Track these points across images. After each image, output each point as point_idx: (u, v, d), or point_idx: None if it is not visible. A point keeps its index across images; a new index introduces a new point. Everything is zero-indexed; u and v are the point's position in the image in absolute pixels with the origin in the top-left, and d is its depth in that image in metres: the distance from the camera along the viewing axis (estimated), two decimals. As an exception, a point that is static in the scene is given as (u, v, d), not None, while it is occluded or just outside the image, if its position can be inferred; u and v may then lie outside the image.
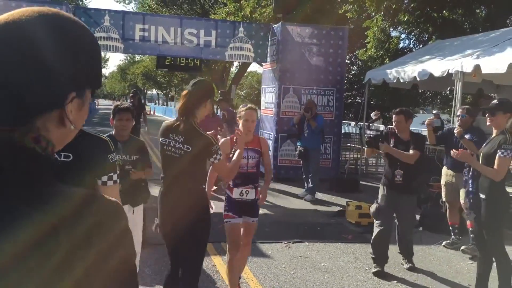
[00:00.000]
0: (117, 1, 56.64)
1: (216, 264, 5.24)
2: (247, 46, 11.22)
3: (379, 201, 5.16)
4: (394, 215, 5.25)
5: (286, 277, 4.95)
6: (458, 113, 5.99)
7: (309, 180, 8.96)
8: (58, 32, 0.80)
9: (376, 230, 5.14)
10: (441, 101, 17.03)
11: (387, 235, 5.09)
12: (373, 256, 5.16)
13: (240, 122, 4.07)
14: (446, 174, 6.32)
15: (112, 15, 10.63)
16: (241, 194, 4.05)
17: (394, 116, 5.12)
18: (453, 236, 6.30)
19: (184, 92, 3.27)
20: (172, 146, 3.20)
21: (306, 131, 8.85)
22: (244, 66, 28.09)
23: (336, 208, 8.18)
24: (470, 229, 5.90)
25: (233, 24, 11.74)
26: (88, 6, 25.58)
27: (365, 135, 5.01)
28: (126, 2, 38.47)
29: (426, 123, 6.32)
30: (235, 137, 3.87)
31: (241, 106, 4.16)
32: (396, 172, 5.03)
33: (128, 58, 62.16)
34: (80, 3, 30.54)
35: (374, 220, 5.26)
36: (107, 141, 2.25)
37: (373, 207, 5.20)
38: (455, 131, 5.67)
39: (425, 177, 4.80)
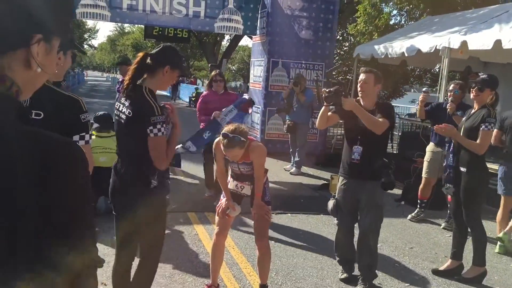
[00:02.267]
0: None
1: (198, 233, 5.29)
2: (237, 18, 11.09)
3: (336, 195, 4.16)
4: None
5: (266, 246, 5.02)
6: (451, 88, 5.90)
7: (296, 154, 9.01)
8: None
9: (337, 231, 4.29)
10: (430, 79, 17.03)
11: (349, 234, 4.19)
12: (338, 259, 4.33)
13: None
14: (432, 150, 6.33)
15: (99, -18, 10.41)
16: (237, 187, 3.88)
17: (361, 74, 3.98)
18: (417, 209, 6.40)
19: (140, 54, 2.91)
20: (120, 110, 2.89)
21: (295, 105, 8.84)
22: (235, 40, 27.83)
23: (321, 182, 8.26)
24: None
25: (223, -5, 11.56)
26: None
27: (323, 89, 3.96)
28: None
29: (420, 99, 6.23)
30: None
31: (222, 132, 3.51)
32: (354, 148, 3.94)
33: (118, 29, 61.19)
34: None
35: (335, 219, 4.34)
36: (79, 100, 2.24)
37: (330, 204, 4.17)
38: (448, 106, 5.67)
39: (388, 158, 4.07)
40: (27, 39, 0.83)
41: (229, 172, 3.92)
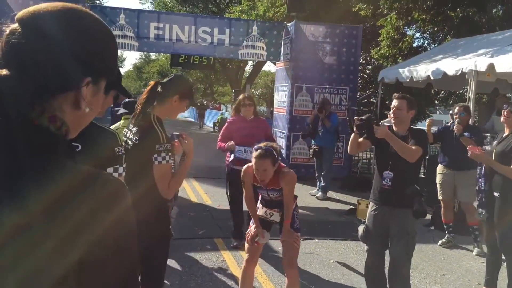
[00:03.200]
0: None
1: (226, 259, 5.29)
2: (260, 45, 11.27)
3: (366, 221, 4.04)
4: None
5: (295, 273, 4.97)
6: (456, 111, 5.92)
7: (322, 178, 8.97)
8: (75, 23, 0.91)
9: (367, 258, 4.13)
10: (455, 101, 16.86)
11: (379, 262, 4.02)
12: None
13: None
14: (442, 172, 6.29)
15: (127, 13, 10.76)
16: (266, 214, 3.88)
17: (394, 100, 3.92)
18: (447, 235, 6.30)
19: (151, 82, 2.95)
20: (128, 137, 2.91)
21: (321, 130, 8.81)
22: (258, 65, 28.13)
23: (347, 207, 8.18)
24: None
25: (247, 23, 11.80)
26: (105, 5, 25.81)
27: (355, 117, 3.93)
28: (143, 1, 38.80)
29: (427, 123, 6.30)
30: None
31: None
32: (385, 174, 3.85)
33: (144, 57, 62.66)
34: (97, 1, 30.87)
35: (365, 246, 4.17)
36: (115, 134, 2.30)
37: (360, 229, 4.04)
38: (455, 129, 5.67)
39: (420, 185, 3.90)
40: (78, 82, 0.89)
41: (259, 199, 3.94)
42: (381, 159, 3.98)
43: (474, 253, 5.97)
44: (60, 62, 0.86)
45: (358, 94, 20.18)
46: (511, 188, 4.19)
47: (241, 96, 5.88)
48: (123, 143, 2.87)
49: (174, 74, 3.06)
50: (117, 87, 2.24)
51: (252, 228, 3.82)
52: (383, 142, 3.82)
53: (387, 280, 3.97)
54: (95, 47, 0.92)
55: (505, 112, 4.36)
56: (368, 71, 23.23)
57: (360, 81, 21.26)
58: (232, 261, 5.23)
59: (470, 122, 6.24)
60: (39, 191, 0.77)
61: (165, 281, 3.25)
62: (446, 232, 6.31)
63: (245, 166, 3.81)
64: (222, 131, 5.90)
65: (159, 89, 2.89)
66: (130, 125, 2.92)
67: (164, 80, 2.96)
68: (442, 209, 6.36)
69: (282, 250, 3.86)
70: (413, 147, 3.72)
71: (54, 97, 0.87)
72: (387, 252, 4.00)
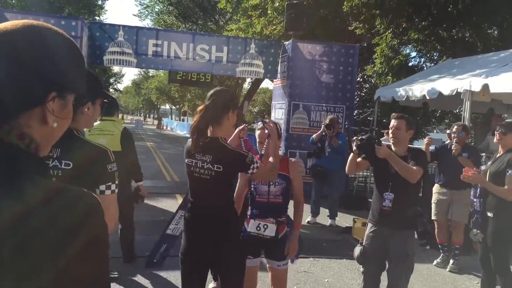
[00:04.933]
0: (134, 15, 57.62)
1: None
2: (258, 63, 11.36)
3: (364, 242, 3.95)
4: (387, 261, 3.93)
5: (289, 292, 4.93)
6: (454, 130, 5.96)
7: (329, 203, 8.39)
8: (35, 40, 0.91)
9: (362, 280, 4.02)
10: (451, 120, 16.95)
11: (375, 284, 3.96)
12: None
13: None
14: (438, 191, 6.30)
15: (126, 30, 10.86)
16: (258, 229, 3.34)
17: (393, 120, 3.88)
18: (442, 254, 6.30)
19: (200, 107, 2.92)
20: (200, 167, 2.85)
21: (328, 150, 8.20)
22: (256, 83, 28.27)
23: (343, 225, 8.15)
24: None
25: (245, 41, 11.91)
26: (104, 22, 26.05)
27: (355, 137, 3.93)
28: (142, 18, 39.19)
29: (426, 141, 6.31)
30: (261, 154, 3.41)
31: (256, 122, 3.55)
32: (385, 195, 3.77)
33: (142, 73, 63.00)
34: (97, 18, 31.15)
35: (361, 267, 4.04)
36: (106, 151, 2.30)
37: (357, 250, 3.96)
38: (453, 148, 5.68)
39: (423, 205, 3.82)
40: (43, 98, 0.90)
41: (248, 213, 3.48)
42: (381, 180, 3.90)
43: (447, 269, 6.05)
44: (21, 79, 0.86)
45: (355, 112, 20.35)
46: (504, 208, 4.19)
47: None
48: (197, 174, 2.91)
49: (215, 89, 3.04)
50: (101, 95, 2.25)
51: None
52: (382, 162, 3.77)
53: None
54: (58, 61, 0.92)
55: (497, 134, 4.38)
56: (365, 90, 23.41)
57: (357, 99, 21.44)
58: None
59: (468, 141, 6.28)
60: (3, 207, 0.77)
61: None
62: (441, 251, 6.30)
63: None
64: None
65: (208, 111, 2.88)
66: (197, 155, 2.89)
67: (208, 103, 2.92)
68: (436, 229, 6.33)
69: (270, 281, 3.56)
70: (414, 167, 3.66)
71: (19, 114, 0.88)
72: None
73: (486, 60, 8.89)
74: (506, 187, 4.12)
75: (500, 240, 4.24)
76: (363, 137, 3.80)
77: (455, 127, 6.01)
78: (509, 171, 4.11)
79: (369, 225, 3.96)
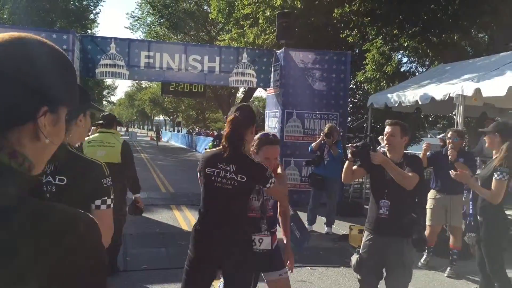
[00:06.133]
0: (126, 28, 57.82)
1: (217, 289, 5.20)
2: (250, 72, 11.39)
3: (360, 250, 3.91)
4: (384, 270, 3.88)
5: (287, 302, 4.90)
6: (449, 136, 6.00)
7: (328, 211, 8.35)
8: (24, 53, 0.87)
9: None
10: (444, 125, 17.04)
11: None
12: None
13: (256, 156, 3.28)
14: (433, 197, 6.30)
15: (118, 42, 10.87)
16: (253, 244, 3.23)
17: (387, 127, 3.83)
18: (425, 255, 6.36)
19: (230, 117, 2.96)
20: (223, 176, 2.87)
21: (327, 158, 8.14)
22: (250, 92, 28.36)
23: (340, 233, 8.13)
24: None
25: (237, 50, 11.95)
26: (96, 35, 26.06)
27: (349, 144, 3.91)
28: (134, 30, 39.25)
29: (424, 147, 6.29)
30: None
31: (260, 134, 3.34)
32: (381, 203, 3.73)
33: (136, 84, 63.01)
34: (89, 31, 31.16)
35: (357, 275, 4.00)
36: (101, 166, 2.28)
37: (354, 259, 3.92)
38: (449, 153, 5.69)
39: (419, 212, 3.77)
40: (33, 113, 0.86)
41: None
42: (377, 188, 3.85)
43: (445, 274, 6.04)
44: (8, 94, 0.83)
45: (349, 119, 20.40)
46: (494, 212, 4.20)
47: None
48: (218, 184, 2.94)
49: (241, 104, 3.14)
50: (90, 106, 2.22)
51: None
52: (378, 169, 3.74)
53: None
54: (47, 74, 0.88)
55: (487, 138, 4.40)
56: (358, 96, 23.52)
57: (351, 106, 21.51)
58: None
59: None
60: None
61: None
62: (425, 253, 6.36)
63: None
64: None
65: (238, 127, 2.96)
66: (220, 164, 2.94)
67: (238, 113, 3.00)
68: (427, 234, 6.28)
69: None
70: (410, 174, 3.62)
71: (9, 131, 0.84)
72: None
73: (477, 65, 8.95)
74: (492, 189, 4.13)
75: (491, 244, 4.24)
76: (358, 144, 3.77)
77: (450, 132, 6.04)
78: (495, 175, 4.11)
79: (366, 233, 3.91)
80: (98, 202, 2.22)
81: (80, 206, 2.24)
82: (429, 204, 6.32)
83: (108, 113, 5.91)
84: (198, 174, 3.04)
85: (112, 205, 2.33)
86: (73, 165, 2.21)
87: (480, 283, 4.54)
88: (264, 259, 3.28)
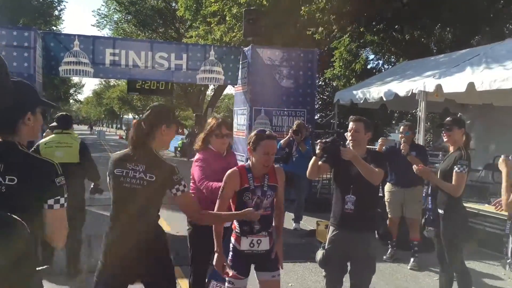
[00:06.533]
0: (93, 25, 56.72)
1: (182, 287, 5.18)
2: (218, 69, 11.37)
3: (326, 246, 3.93)
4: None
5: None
6: (401, 130, 6.22)
7: (295, 208, 8.46)
8: None
9: (325, 284, 4.05)
10: (409, 120, 17.41)
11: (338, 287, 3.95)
12: None
13: (253, 153, 3.22)
14: (389, 190, 6.49)
15: (82, 40, 10.67)
16: (251, 245, 3.20)
17: (351, 123, 3.89)
18: (390, 249, 6.56)
19: (134, 121, 3.03)
20: (132, 176, 2.81)
21: (295, 155, 8.17)
22: (219, 89, 28.27)
23: (308, 228, 8.20)
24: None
25: (204, 48, 11.90)
26: (60, 32, 25.51)
27: (319, 140, 3.93)
28: (101, 27, 38.52)
29: (380, 142, 6.41)
30: (248, 166, 3.27)
31: (256, 130, 3.30)
32: (347, 198, 3.76)
33: (104, 82, 61.89)
34: (54, 28, 30.43)
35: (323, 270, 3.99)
36: (53, 164, 2.22)
37: (319, 254, 3.94)
38: (401, 148, 5.84)
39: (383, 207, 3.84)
40: None
41: (235, 230, 3.30)
42: (342, 183, 3.88)
43: (408, 266, 6.20)
44: None
45: (318, 116, 20.55)
46: (454, 205, 4.31)
47: (213, 121, 4.07)
48: (127, 185, 2.86)
49: (151, 106, 3.10)
50: (40, 103, 2.18)
51: (216, 258, 3.24)
52: (343, 165, 3.77)
53: None
54: None
55: (444, 133, 4.51)
56: (327, 93, 23.75)
57: (320, 103, 21.69)
58: (190, 289, 5.12)
59: (425, 140, 6.46)
60: None
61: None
62: (390, 247, 6.55)
63: (230, 170, 3.27)
64: (199, 173, 3.86)
65: (142, 125, 2.92)
66: (129, 165, 2.87)
67: (144, 116, 3.00)
68: (388, 226, 6.43)
69: None
70: (376, 169, 3.68)
71: None
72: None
73: (439, 62, 9.17)
74: (453, 183, 4.24)
75: (451, 236, 4.35)
76: (328, 140, 3.81)
77: (402, 127, 6.27)
78: (455, 168, 4.23)
79: (331, 228, 3.94)
80: (51, 201, 2.17)
81: (32, 205, 2.20)
82: (386, 197, 6.51)
83: (63, 113, 5.90)
84: (108, 178, 2.94)
85: (65, 205, 2.28)
86: (24, 164, 2.14)
87: (440, 274, 4.66)
88: (261, 259, 3.27)
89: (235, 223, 3.30)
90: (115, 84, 56.83)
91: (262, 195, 3.20)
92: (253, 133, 3.26)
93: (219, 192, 3.26)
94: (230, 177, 3.21)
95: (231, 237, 3.32)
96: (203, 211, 3.02)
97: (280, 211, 3.46)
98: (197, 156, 4.02)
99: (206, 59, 11.33)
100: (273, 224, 3.44)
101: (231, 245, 3.30)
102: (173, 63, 11.15)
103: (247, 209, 3.10)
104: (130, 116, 74.84)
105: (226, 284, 3.24)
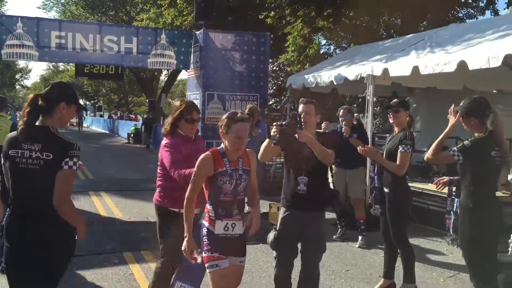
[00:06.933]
0: (39, 7, 54.26)
1: (134, 272, 5.15)
2: (170, 53, 11.19)
3: (277, 227, 3.95)
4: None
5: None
6: (341, 113, 6.41)
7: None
8: None
9: (276, 266, 3.96)
10: (360, 104, 17.80)
11: (289, 268, 3.94)
12: None
13: (225, 136, 3.22)
14: (334, 172, 6.75)
15: (25, 22, 10.22)
16: (226, 229, 3.20)
17: (302, 105, 3.91)
18: (340, 229, 6.76)
19: (30, 96, 2.83)
20: (28, 157, 2.66)
21: (248, 139, 8.18)
22: (174, 74, 27.83)
23: (260, 211, 8.28)
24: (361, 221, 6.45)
25: (155, 31, 11.69)
26: (3, 13, 24.31)
27: (274, 123, 3.88)
28: (47, 9, 36.97)
29: (323, 126, 6.50)
30: (221, 149, 3.24)
31: (227, 113, 3.28)
32: (299, 179, 3.81)
33: (52, 67, 59.52)
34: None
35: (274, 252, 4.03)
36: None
37: (271, 236, 3.94)
38: (343, 131, 6.00)
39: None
40: None
41: (209, 214, 3.25)
42: (294, 165, 3.91)
43: (357, 245, 6.41)
44: None
45: (273, 101, 20.65)
46: (399, 184, 4.49)
47: (182, 105, 3.99)
48: (23, 165, 2.68)
49: (52, 82, 2.94)
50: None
51: (184, 243, 3.21)
52: (296, 147, 3.81)
53: (299, 282, 3.97)
54: None
55: (390, 114, 4.67)
56: (281, 78, 23.88)
57: (275, 87, 21.80)
58: (141, 274, 5.11)
59: (374, 124, 6.65)
60: None
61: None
62: (339, 226, 6.77)
63: (204, 154, 3.21)
64: (170, 158, 3.78)
65: (40, 102, 2.76)
66: (25, 144, 2.69)
67: (44, 91, 2.85)
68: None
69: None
70: (329, 151, 3.75)
71: None
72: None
73: (386, 46, 9.40)
74: (397, 162, 4.42)
75: (396, 214, 4.53)
76: (284, 122, 3.79)
77: (341, 110, 6.46)
78: (400, 148, 4.40)
79: (283, 209, 3.97)
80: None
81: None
82: (331, 178, 6.66)
83: None
84: (2, 161, 2.80)
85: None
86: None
87: (385, 251, 4.84)
88: (234, 243, 3.26)
89: (208, 207, 3.26)
90: (65, 69, 54.80)
91: (238, 179, 3.21)
92: (224, 116, 3.22)
93: (192, 177, 3.21)
94: (204, 161, 3.17)
95: (204, 221, 3.27)
96: (70, 202, 2.76)
97: (254, 193, 3.50)
98: (166, 141, 3.91)
99: (157, 43, 11.12)
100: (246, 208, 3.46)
101: (204, 230, 3.23)
102: (123, 47, 10.88)
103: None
104: (81, 102, 72.62)
105: (209, 268, 3.16)
